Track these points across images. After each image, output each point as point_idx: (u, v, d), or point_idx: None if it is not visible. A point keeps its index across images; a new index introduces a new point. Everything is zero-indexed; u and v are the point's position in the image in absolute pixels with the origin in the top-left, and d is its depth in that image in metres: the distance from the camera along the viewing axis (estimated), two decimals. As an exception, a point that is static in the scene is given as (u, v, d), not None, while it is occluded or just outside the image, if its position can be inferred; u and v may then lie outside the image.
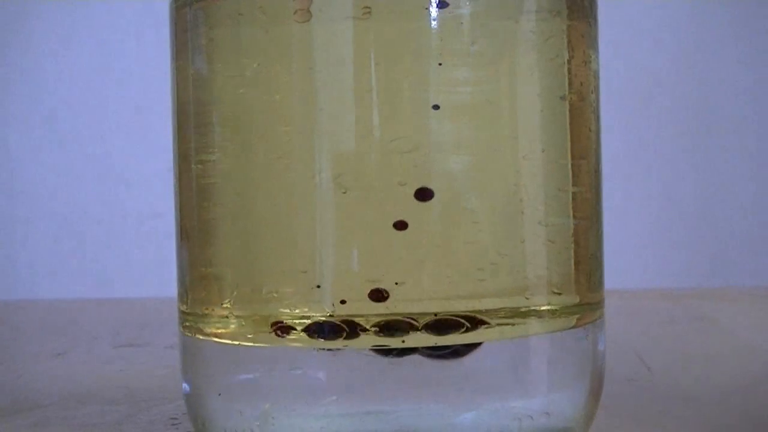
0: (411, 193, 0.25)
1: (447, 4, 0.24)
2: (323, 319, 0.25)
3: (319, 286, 0.25)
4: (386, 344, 0.25)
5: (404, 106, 0.25)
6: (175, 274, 0.28)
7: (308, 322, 0.25)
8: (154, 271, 0.77)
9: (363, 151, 0.25)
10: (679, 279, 0.79)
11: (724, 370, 0.40)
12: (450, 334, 0.25)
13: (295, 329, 0.25)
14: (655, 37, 0.80)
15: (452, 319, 0.25)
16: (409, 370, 0.25)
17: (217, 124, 0.26)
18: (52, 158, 0.81)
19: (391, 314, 0.24)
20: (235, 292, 0.26)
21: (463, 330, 0.25)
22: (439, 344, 0.25)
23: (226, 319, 0.26)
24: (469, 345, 0.25)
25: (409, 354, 0.25)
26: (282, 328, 0.25)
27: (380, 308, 0.24)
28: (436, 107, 0.25)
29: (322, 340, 0.25)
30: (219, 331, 0.26)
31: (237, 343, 0.26)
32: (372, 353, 0.25)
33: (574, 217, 0.26)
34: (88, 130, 0.80)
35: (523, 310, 0.25)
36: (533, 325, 0.26)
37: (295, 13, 0.25)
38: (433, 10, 0.24)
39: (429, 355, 0.25)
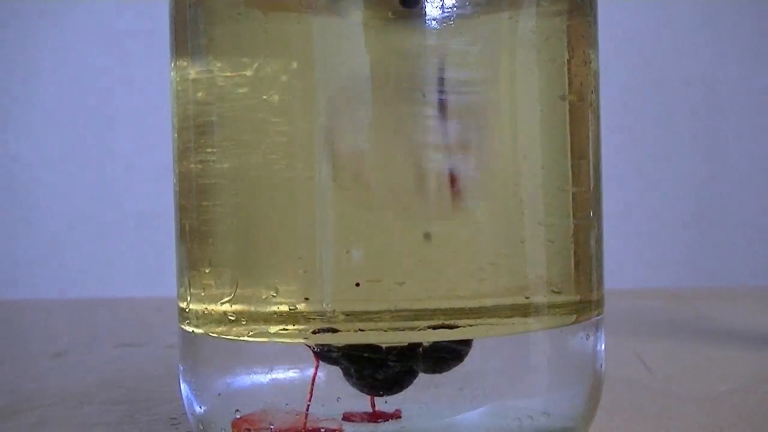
0: (410, 193, 0.25)
1: (447, 4, 0.24)
2: (323, 318, 0.25)
3: (318, 286, 0.25)
4: (388, 342, 0.25)
5: (404, 106, 0.25)
6: (174, 273, 0.28)
7: (308, 320, 0.25)
8: (154, 271, 0.77)
9: (362, 150, 0.25)
10: (679, 279, 0.79)
11: (723, 370, 0.40)
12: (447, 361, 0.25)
13: (296, 328, 0.25)
14: (655, 37, 0.80)
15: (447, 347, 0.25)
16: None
17: (217, 124, 0.26)
18: (52, 158, 0.81)
19: (396, 310, 0.24)
20: (234, 292, 0.26)
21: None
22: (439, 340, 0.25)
23: (225, 319, 0.26)
24: (460, 347, 0.25)
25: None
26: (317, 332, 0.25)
27: (382, 305, 0.24)
28: (435, 106, 0.25)
29: (321, 338, 0.25)
30: (218, 330, 0.26)
31: (236, 342, 0.26)
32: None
33: (574, 217, 0.26)
34: (88, 130, 0.80)
35: (523, 309, 0.25)
36: (533, 324, 0.26)
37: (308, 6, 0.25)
38: (433, 10, 0.24)
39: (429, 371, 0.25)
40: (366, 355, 0.25)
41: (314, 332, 0.25)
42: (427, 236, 0.24)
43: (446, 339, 0.25)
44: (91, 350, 0.49)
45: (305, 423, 0.25)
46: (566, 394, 0.26)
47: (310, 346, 0.25)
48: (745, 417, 0.32)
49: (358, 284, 0.24)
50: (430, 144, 0.25)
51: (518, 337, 0.26)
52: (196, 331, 0.27)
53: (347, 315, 0.25)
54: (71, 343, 0.51)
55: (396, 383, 0.25)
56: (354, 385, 0.25)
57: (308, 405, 0.25)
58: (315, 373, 0.25)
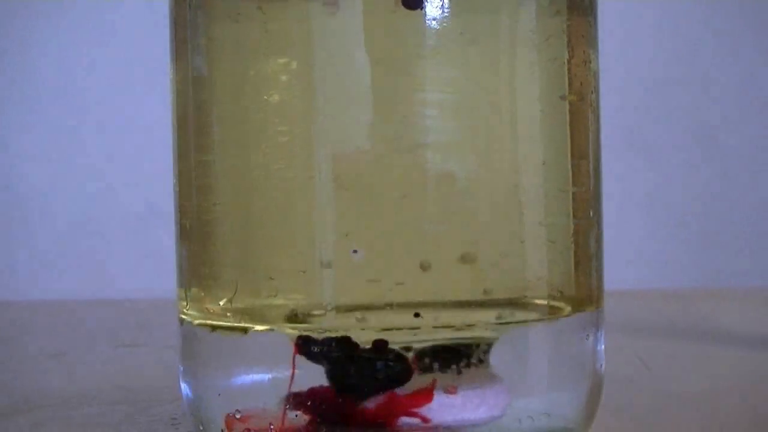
0: (410, 194, 0.25)
1: (447, 4, 0.24)
2: (323, 318, 0.25)
3: (318, 285, 0.25)
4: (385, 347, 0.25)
5: (404, 105, 0.25)
6: (174, 273, 0.28)
7: (308, 320, 0.25)
8: (154, 271, 0.77)
9: (362, 150, 0.25)
10: (679, 279, 0.79)
11: (723, 370, 0.40)
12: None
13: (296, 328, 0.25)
14: (655, 37, 0.80)
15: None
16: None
17: (217, 124, 0.26)
18: (52, 158, 0.81)
19: (396, 309, 0.24)
20: (234, 291, 0.26)
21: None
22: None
23: (225, 318, 0.26)
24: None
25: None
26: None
27: (382, 305, 0.24)
28: (435, 106, 0.25)
29: (322, 340, 0.25)
30: (218, 330, 0.26)
31: (236, 342, 0.26)
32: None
33: (574, 217, 0.26)
34: (88, 130, 0.80)
35: (522, 310, 0.25)
36: (533, 325, 0.26)
37: (324, 5, 0.25)
38: (433, 10, 0.24)
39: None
40: (366, 355, 0.25)
41: (315, 332, 0.25)
42: (464, 258, 0.25)
43: (446, 339, 0.25)
44: (91, 350, 0.49)
45: (283, 423, 0.25)
46: (566, 394, 0.26)
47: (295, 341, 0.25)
48: (745, 417, 0.32)
49: (357, 284, 0.24)
50: (429, 144, 0.25)
51: (518, 338, 0.26)
52: (196, 330, 0.27)
53: (347, 316, 0.25)
54: (71, 343, 0.51)
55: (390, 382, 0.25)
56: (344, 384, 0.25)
57: (285, 406, 0.25)
58: (293, 372, 0.25)
